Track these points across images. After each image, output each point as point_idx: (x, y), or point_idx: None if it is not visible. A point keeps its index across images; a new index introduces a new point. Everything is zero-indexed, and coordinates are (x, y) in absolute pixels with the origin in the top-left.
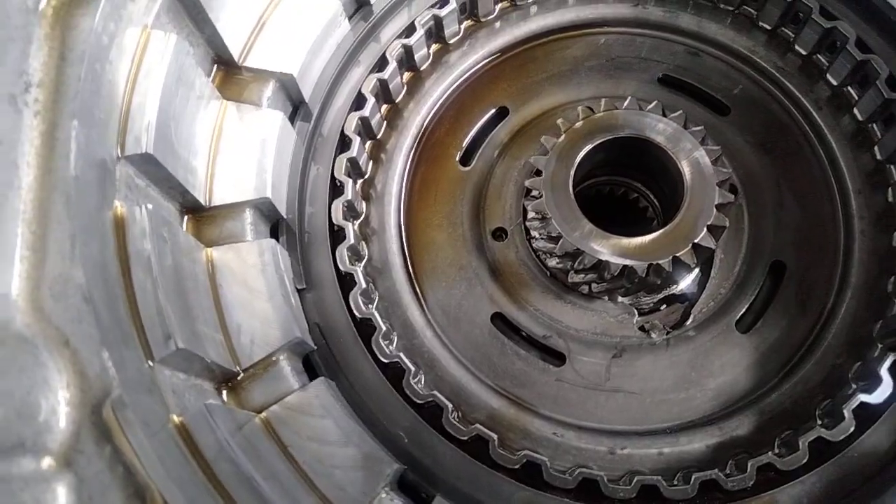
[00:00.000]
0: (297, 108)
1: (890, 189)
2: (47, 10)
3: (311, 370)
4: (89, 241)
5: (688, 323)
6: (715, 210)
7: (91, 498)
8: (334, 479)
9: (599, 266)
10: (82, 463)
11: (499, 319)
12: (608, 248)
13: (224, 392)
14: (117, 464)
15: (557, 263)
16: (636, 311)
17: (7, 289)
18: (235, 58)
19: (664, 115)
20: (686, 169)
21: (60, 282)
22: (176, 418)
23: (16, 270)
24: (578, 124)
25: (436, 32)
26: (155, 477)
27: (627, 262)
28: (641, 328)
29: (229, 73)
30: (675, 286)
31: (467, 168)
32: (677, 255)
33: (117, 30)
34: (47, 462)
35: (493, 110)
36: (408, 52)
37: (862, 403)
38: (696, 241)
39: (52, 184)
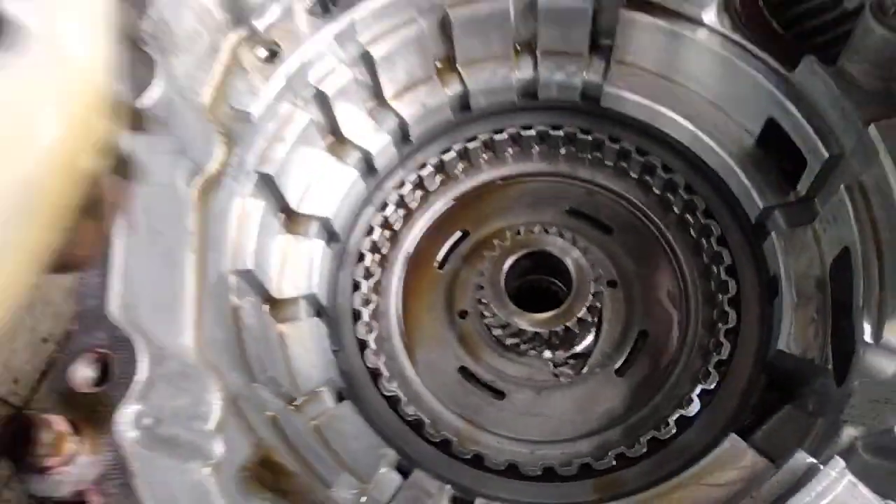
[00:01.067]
0: (331, 235)
1: (712, 281)
2: (197, 194)
3: (340, 398)
4: (221, 318)
5: (584, 371)
6: (591, 296)
7: (233, 451)
8: (357, 459)
9: (520, 332)
10: (228, 430)
11: (462, 370)
12: (525, 321)
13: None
14: (249, 431)
15: (498, 332)
16: (552, 364)
17: (187, 342)
18: (294, 208)
19: (561, 235)
20: (572, 270)
21: (211, 339)
22: (269, 413)
23: (189, 333)
24: (506, 243)
25: (419, 185)
26: (267, 440)
27: (536, 329)
28: (555, 374)
29: (290, 217)
30: (576, 346)
31: (442, 271)
32: (567, 324)
33: (230, 201)
34: (209, 426)
35: (458, 232)
36: (401, 198)
37: (681, 415)
38: (578, 316)
39: (203, 287)
